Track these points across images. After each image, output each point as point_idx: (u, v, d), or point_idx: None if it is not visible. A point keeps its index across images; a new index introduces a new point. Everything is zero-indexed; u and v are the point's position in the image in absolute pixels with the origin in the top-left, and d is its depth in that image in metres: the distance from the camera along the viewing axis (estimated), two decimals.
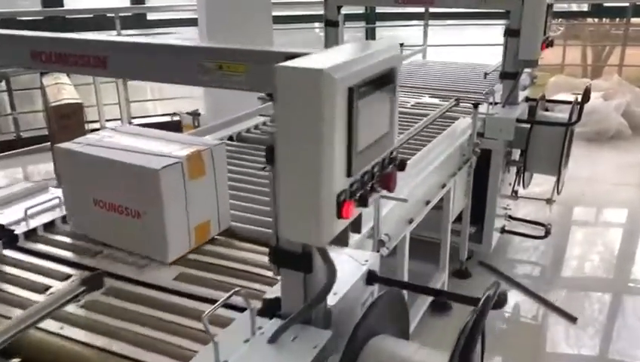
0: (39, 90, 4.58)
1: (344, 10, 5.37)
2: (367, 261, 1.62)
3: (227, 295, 1.24)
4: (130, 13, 6.11)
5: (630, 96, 6.26)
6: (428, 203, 2.54)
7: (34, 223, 1.88)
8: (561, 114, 3.33)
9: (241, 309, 1.38)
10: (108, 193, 1.72)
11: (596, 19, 8.71)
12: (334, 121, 1.01)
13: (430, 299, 2.88)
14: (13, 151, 5.34)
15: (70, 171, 1.82)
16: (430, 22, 6.69)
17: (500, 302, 1.26)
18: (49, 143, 4.48)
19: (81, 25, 5.93)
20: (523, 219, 3.83)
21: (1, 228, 1.83)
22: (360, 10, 6.75)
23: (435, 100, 3.68)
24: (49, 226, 1.91)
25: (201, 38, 4.79)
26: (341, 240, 1.30)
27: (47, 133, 4.56)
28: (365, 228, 1.92)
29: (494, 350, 2.84)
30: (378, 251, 1.89)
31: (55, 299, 1.33)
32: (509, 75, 3.33)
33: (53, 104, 3.84)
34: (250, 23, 4.60)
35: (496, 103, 3.39)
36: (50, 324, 1.38)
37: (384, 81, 1.16)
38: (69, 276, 1.64)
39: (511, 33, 3.20)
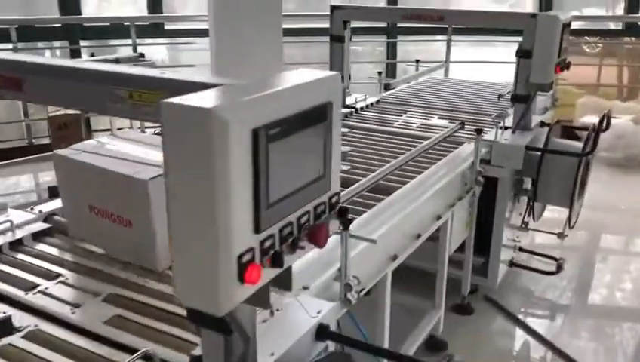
0: None
1: (362, 24, 5.22)
2: (319, 312, 1.45)
3: (134, 356, 1.09)
4: (147, 23, 6.07)
5: None
6: (419, 236, 2.34)
7: None
8: (578, 142, 3.08)
9: None
10: (102, 200, 1.74)
11: (633, 38, 8.35)
12: (231, 169, 0.84)
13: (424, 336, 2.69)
14: (24, 158, 5.33)
15: (67, 177, 1.86)
16: (455, 37, 6.51)
17: None
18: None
19: (99, 33, 5.92)
20: (534, 252, 3.58)
21: None
22: (382, 24, 6.57)
23: (444, 122, 3.48)
24: None
25: (211, 50, 4.68)
26: (283, 284, 1.13)
27: None
28: (332, 268, 1.75)
29: None
30: (345, 296, 1.71)
31: None
32: (520, 98, 3.11)
33: (52, 114, 3.80)
34: (260, 35, 4.46)
35: (506, 128, 3.18)
36: None
37: (312, 118, 0.99)
38: None
39: (523, 54, 2.99)
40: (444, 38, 6.15)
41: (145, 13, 6.09)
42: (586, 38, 7.93)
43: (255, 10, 4.37)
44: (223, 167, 0.83)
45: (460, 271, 3.09)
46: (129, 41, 5.63)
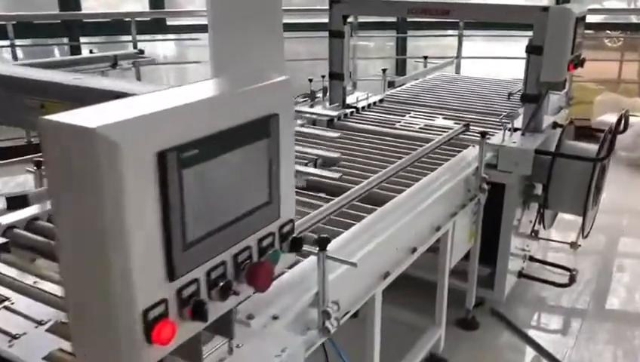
0: None
1: (370, 18, 4.99)
2: (284, 350, 1.26)
3: None
4: (148, 18, 5.92)
5: None
6: (414, 250, 2.14)
7: None
8: (593, 145, 2.86)
9: None
10: None
11: None
12: (127, 202, 0.66)
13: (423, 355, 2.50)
14: (21, 158, 5.21)
15: None
16: (467, 32, 6.27)
17: None
18: None
19: (99, 29, 5.79)
20: (546, 262, 3.36)
21: None
22: (391, 18, 6.35)
23: (449, 123, 3.27)
24: None
25: (210, 48, 4.51)
26: (222, 331, 0.96)
27: None
28: (309, 293, 1.56)
29: None
30: (323, 324, 1.52)
31: None
32: (530, 97, 2.90)
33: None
34: (259, 31, 4.28)
35: (516, 130, 2.96)
36: None
37: (249, 135, 0.81)
38: None
39: (533, 50, 2.77)
40: (456, 32, 5.96)
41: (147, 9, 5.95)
42: (608, 32, 7.64)
43: (254, 6, 4.17)
44: (114, 201, 0.65)
45: (465, 283, 2.88)
46: (138, 37, 5.48)
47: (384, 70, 3.98)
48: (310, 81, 3.50)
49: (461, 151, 2.74)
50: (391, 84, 3.79)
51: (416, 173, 2.45)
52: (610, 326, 3.11)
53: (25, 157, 5.31)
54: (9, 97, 0.93)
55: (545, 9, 2.69)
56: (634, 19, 7.74)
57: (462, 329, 2.94)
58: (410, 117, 3.43)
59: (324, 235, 1.49)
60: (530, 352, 2.90)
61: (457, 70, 6.00)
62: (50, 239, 1.57)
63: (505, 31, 6.31)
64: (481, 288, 2.98)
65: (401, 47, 6.47)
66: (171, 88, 0.80)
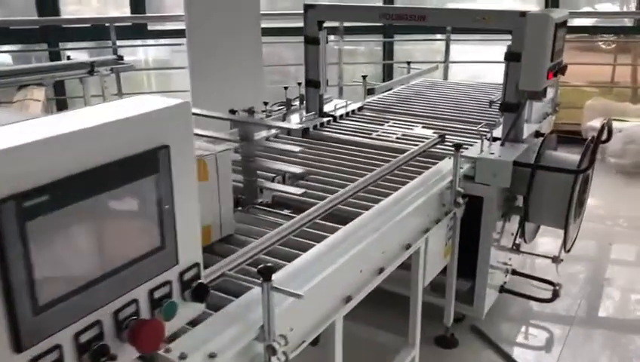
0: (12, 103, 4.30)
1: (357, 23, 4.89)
2: None
3: None
4: (130, 23, 5.80)
5: None
6: (381, 271, 2.03)
7: None
8: (574, 155, 2.74)
9: None
10: None
11: None
12: None
13: None
14: None
15: None
16: (455, 36, 6.16)
17: None
18: None
19: (79, 34, 5.67)
20: (529, 276, 3.24)
21: None
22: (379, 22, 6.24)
23: (428, 132, 3.16)
24: None
25: (189, 52, 4.41)
26: None
27: None
28: (256, 325, 1.44)
29: None
30: (269, 361, 1.40)
31: None
32: (510, 106, 2.78)
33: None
34: (238, 36, 4.18)
35: (495, 139, 2.85)
36: None
37: (129, 173, 0.69)
38: None
39: (512, 57, 2.66)
40: (444, 37, 5.85)
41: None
42: (603, 35, 7.55)
43: (232, 11, 4.05)
44: None
45: (444, 299, 2.77)
46: (109, 43, 5.38)
47: (364, 77, 3.87)
48: (285, 88, 3.39)
49: (437, 163, 2.63)
50: (370, 92, 3.67)
51: (387, 188, 2.34)
52: (597, 342, 3.00)
53: None
54: None
55: (523, 14, 2.58)
56: (627, 22, 7.64)
57: (440, 347, 2.83)
58: (388, 126, 3.32)
59: (269, 264, 1.37)
60: None
61: (445, 75, 5.90)
62: None
63: (494, 35, 6.22)
64: (461, 303, 2.87)
65: (388, 51, 6.35)
66: (34, 119, 0.68)
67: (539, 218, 2.79)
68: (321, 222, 2.00)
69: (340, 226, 1.98)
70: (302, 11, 3.25)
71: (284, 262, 1.73)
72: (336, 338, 1.79)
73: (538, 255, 3.16)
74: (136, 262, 0.73)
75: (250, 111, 3.09)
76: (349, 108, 3.59)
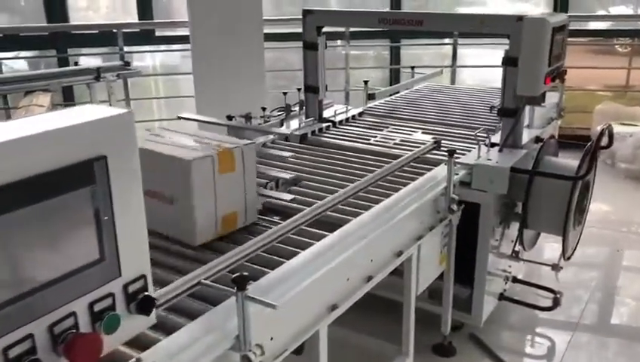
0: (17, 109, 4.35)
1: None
2: None
3: None
4: (137, 29, 5.84)
5: None
6: (369, 279, 2.00)
7: None
8: (574, 161, 2.70)
9: None
10: (148, 181, 1.64)
11: None
12: None
13: None
14: None
15: None
16: (463, 40, 6.13)
17: None
18: None
19: (86, 40, 5.72)
20: (529, 283, 3.19)
21: None
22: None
23: (427, 137, 3.13)
24: None
25: (193, 58, 4.43)
26: None
27: None
28: (232, 335, 1.43)
29: None
30: None
31: None
32: (508, 111, 2.75)
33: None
34: (240, 42, 4.19)
35: (494, 145, 2.82)
36: None
37: (59, 184, 0.68)
38: None
39: (509, 62, 2.63)
40: (451, 41, 5.83)
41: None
42: (620, 39, 7.45)
43: (235, 17, 4.07)
44: None
45: (441, 307, 2.73)
46: (142, 48, 5.41)
47: (366, 82, 3.85)
48: (284, 94, 3.39)
49: (432, 169, 2.60)
50: (371, 97, 3.65)
51: (380, 194, 2.32)
52: (599, 351, 2.94)
53: None
54: None
55: (520, 19, 2.55)
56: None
57: (437, 356, 2.79)
58: (388, 131, 3.30)
59: (244, 273, 1.36)
60: None
61: (452, 80, 5.87)
62: None
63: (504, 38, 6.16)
64: (460, 311, 2.83)
65: (395, 55, 6.33)
66: None
67: (537, 225, 2.74)
68: (309, 229, 1.99)
69: (327, 233, 1.97)
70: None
71: (266, 270, 1.72)
72: (321, 347, 1.77)
73: (537, 262, 3.11)
74: (73, 275, 0.72)
75: (248, 117, 3.09)
76: (350, 114, 3.57)
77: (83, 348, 0.73)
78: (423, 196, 2.33)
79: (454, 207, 2.40)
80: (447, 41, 6.04)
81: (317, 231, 2.00)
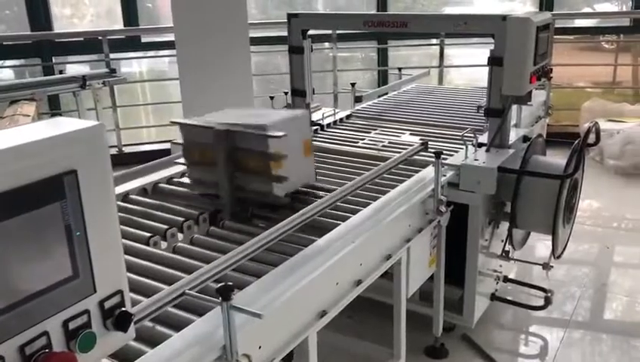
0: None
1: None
2: None
3: None
4: (123, 36, 5.81)
5: None
6: (359, 283, 1.99)
7: None
8: (561, 160, 2.70)
9: None
10: None
11: None
12: None
13: None
14: None
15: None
16: (452, 41, 6.15)
17: None
18: None
19: (71, 48, 5.68)
20: (521, 282, 3.19)
21: None
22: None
23: (416, 139, 3.12)
24: None
25: (179, 63, 4.40)
26: None
27: None
28: (219, 345, 1.41)
29: None
30: None
31: None
32: (494, 111, 2.74)
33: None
34: (226, 46, 4.17)
35: (482, 145, 2.81)
36: None
37: (25, 201, 0.66)
38: None
39: (495, 61, 2.63)
40: (438, 42, 5.83)
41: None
42: (606, 36, 7.50)
43: (220, 22, 4.04)
44: None
45: (432, 309, 2.72)
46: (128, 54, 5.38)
47: (353, 84, 3.84)
48: (271, 98, 3.37)
49: (420, 170, 2.59)
50: (358, 99, 3.64)
51: (367, 197, 2.31)
52: (591, 348, 2.94)
53: None
54: None
55: (504, 18, 2.55)
56: (627, 22, 7.59)
57: (430, 358, 2.78)
58: (375, 133, 3.29)
59: (228, 283, 1.34)
60: None
61: (440, 80, 5.88)
62: None
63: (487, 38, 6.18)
64: (451, 312, 2.82)
65: (382, 57, 6.33)
66: None
67: (526, 224, 2.74)
68: (297, 234, 1.97)
69: (316, 238, 1.95)
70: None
71: (253, 278, 1.70)
72: (310, 354, 1.75)
73: (528, 262, 3.11)
74: (45, 293, 0.70)
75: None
76: (337, 117, 3.56)
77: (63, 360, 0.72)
78: (412, 198, 2.32)
79: (443, 208, 2.38)
80: (434, 41, 6.05)
81: (305, 236, 1.98)
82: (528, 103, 2.73)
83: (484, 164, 2.57)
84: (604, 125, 5.10)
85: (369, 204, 2.24)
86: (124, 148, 5.65)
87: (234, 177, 2.19)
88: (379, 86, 6.01)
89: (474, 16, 2.71)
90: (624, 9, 7.78)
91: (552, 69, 2.79)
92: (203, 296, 1.41)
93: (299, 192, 2.26)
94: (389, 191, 2.37)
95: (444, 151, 2.57)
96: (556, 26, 5.51)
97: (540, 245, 3.63)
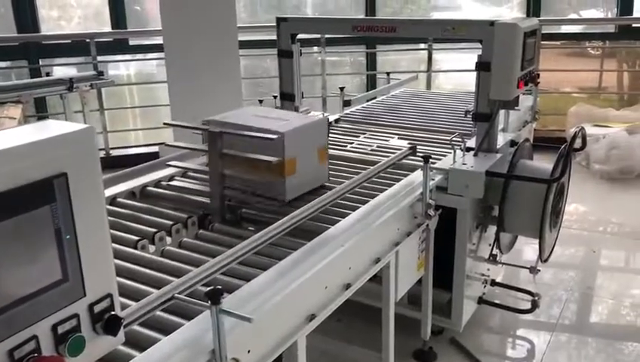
0: None
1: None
2: None
3: None
4: (111, 39, 5.78)
5: None
6: (348, 287, 1.99)
7: None
8: (548, 164, 2.72)
9: None
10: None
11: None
12: None
13: None
14: None
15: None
16: (441, 45, 6.19)
17: None
18: None
19: (59, 50, 5.65)
20: (508, 286, 3.21)
21: None
22: None
23: (404, 143, 3.13)
24: None
25: (167, 66, 4.39)
26: None
27: None
28: (208, 349, 1.40)
29: None
30: None
31: None
32: (482, 116, 2.76)
33: None
34: (215, 50, 4.17)
35: (469, 150, 2.83)
36: None
37: (15, 204, 0.66)
38: None
39: (482, 67, 2.65)
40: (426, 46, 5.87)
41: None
42: (592, 41, 7.59)
43: (208, 25, 4.03)
44: None
45: (420, 312, 2.73)
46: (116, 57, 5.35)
47: (342, 88, 3.85)
48: (260, 102, 3.37)
49: (409, 174, 2.60)
50: (347, 103, 3.65)
51: (356, 201, 2.31)
52: (578, 351, 2.96)
53: None
54: None
55: (491, 24, 2.57)
56: (612, 28, 7.69)
57: (418, 361, 2.79)
58: (364, 137, 3.30)
59: (217, 287, 1.34)
60: None
61: (428, 85, 5.91)
62: None
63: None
64: (440, 316, 2.83)
65: (371, 61, 6.36)
66: None
67: (514, 228, 2.76)
68: (286, 238, 1.97)
69: (304, 242, 1.95)
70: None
71: (242, 282, 1.70)
72: (299, 358, 1.75)
73: (515, 265, 3.13)
74: (34, 297, 0.69)
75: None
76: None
77: None
78: (400, 202, 2.33)
79: (431, 212, 2.40)
80: (422, 46, 6.09)
81: (294, 239, 1.99)
82: (515, 108, 2.75)
83: (472, 168, 2.59)
84: (590, 130, 5.16)
85: (358, 207, 2.25)
86: (111, 152, 5.62)
87: (224, 180, 2.19)
88: (367, 90, 6.04)
89: (462, 22, 2.73)
90: (609, 15, 7.89)
91: (539, 75, 2.82)
92: (192, 299, 1.40)
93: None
94: (377, 195, 2.38)
95: (433, 156, 2.59)
96: (543, 31, 5.58)
97: (528, 249, 3.66)
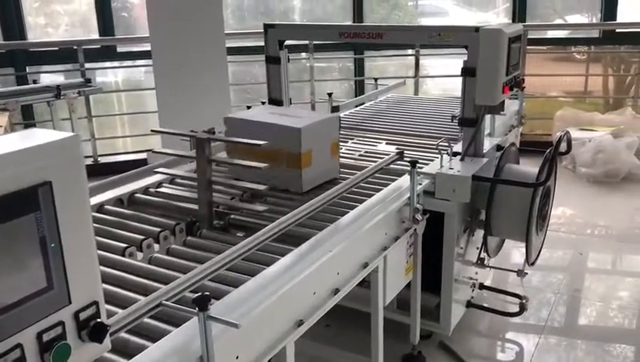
0: None
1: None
2: None
3: None
4: (99, 46, 5.77)
5: None
6: (336, 292, 2.00)
7: None
8: (534, 168, 2.75)
9: None
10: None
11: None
12: None
13: None
14: None
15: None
16: (428, 51, 6.23)
17: None
18: None
19: (46, 58, 5.62)
20: (496, 289, 3.24)
21: None
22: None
23: (392, 148, 3.15)
24: None
25: (155, 73, 4.38)
26: None
27: None
28: (196, 356, 1.40)
29: None
30: None
31: None
32: (468, 121, 2.79)
33: None
34: (203, 56, 4.17)
35: (456, 154, 2.85)
36: None
37: (3, 212, 0.66)
38: None
39: (468, 72, 2.67)
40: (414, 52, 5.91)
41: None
42: (578, 47, 7.67)
43: (196, 31, 4.03)
44: None
45: (409, 317, 2.74)
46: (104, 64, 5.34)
47: (330, 94, 3.87)
48: (248, 108, 3.38)
49: (397, 179, 2.62)
50: (335, 109, 3.66)
51: (345, 206, 2.32)
52: (566, 353, 2.99)
53: None
54: None
55: (477, 30, 2.60)
56: (595, 33, 7.78)
57: None
58: (352, 143, 3.32)
59: (205, 293, 1.34)
60: None
61: (416, 90, 5.95)
62: None
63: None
64: (429, 320, 2.84)
65: (359, 67, 6.39)
66: None
67: (500, 232, 2.79)
68: (274, 244, 1.98)
69: (293, 248, 1.96)
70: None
71: (230, 288, 1.70)
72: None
73: (502, 269, 3.15)
74: (19, 305, 0.70)
75: (211, 132, 3.07)
76: None
77: None
78: (388, 207, 2.34)
79: (419, 216, 2.41)
80: (409, 52, 6.13)
81: (282, 245, 1.99)
82: (501, 113, 2.78)
83: (459, 173, 2.61)
84: (575, 134, 5.22)
85: (346, 212, 2.26)
86: (99, 159, 5.60)
87: (211, 186, 2.20)
88: (355, 96, 6.06)
89: (448, 28, 2.76)
90: (594, 21, 7.98)
91: (524, 79, 2.85)
92: (180, 306, 1.40)
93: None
94: (365, 199, 2.39)
95: (420, 160, 2.62)
96: (529, 37, 5.63)
97: (515, 252, 3.69)
